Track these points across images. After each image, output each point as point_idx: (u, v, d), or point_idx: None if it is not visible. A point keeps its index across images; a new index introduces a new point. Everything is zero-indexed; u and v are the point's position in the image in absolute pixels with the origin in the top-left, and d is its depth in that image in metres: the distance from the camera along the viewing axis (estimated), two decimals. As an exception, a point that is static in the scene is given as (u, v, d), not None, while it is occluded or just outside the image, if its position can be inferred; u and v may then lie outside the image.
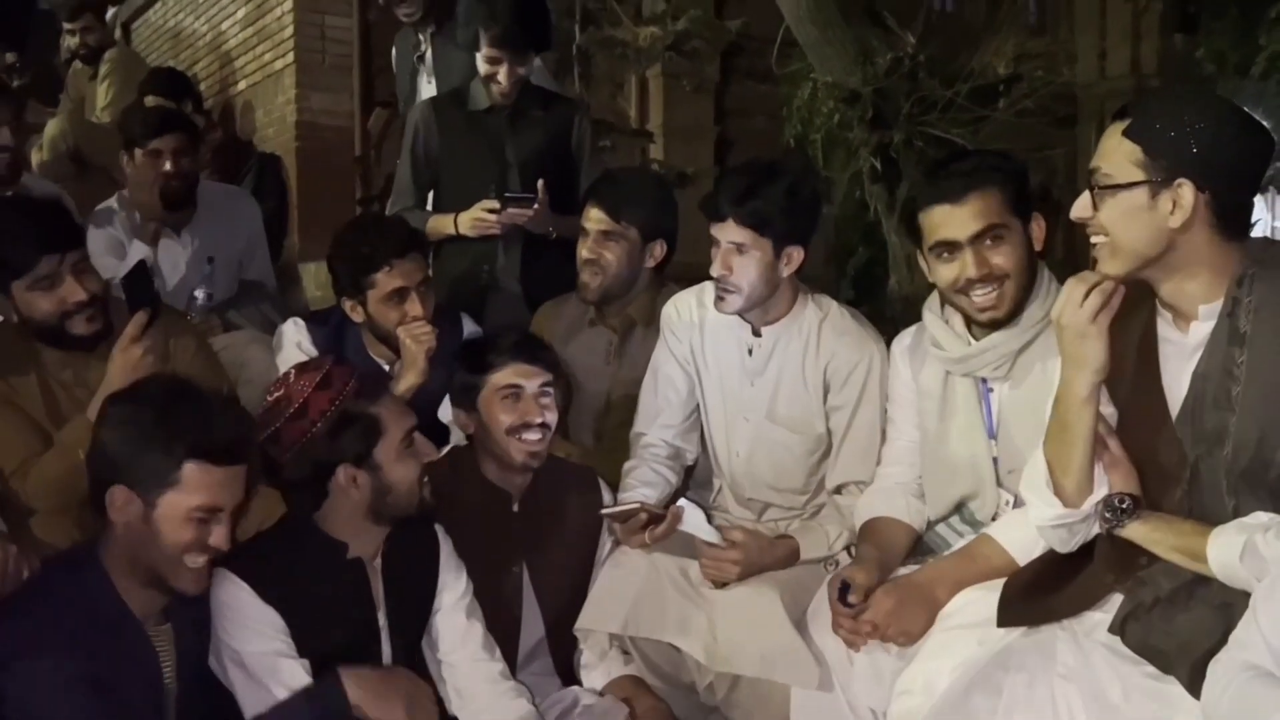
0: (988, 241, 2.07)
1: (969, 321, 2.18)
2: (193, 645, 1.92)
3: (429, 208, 3.35)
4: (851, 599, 2.05)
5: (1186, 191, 1.61)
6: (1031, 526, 1.87)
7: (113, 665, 1.75)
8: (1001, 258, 2.07)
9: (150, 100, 4.63)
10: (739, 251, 2.35)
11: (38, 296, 2.29)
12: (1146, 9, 11.14)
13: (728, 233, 2.35)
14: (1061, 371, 1.74)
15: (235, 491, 1.83)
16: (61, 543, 2.19)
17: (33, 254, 2.27)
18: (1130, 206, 1.65)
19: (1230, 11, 9.05)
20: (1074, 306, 1.68)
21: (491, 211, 3.08)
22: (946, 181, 2.10)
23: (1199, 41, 9.84)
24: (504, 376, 2.36)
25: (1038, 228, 2.12)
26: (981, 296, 2.09)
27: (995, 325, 2.13)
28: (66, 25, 5.75)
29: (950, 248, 2.09)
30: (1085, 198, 1.70)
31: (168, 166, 3.38)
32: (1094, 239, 1.71)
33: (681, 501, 2.32)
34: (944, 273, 2.11)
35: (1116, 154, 1.67)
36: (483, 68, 3.13)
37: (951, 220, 2.07)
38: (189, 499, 1.78)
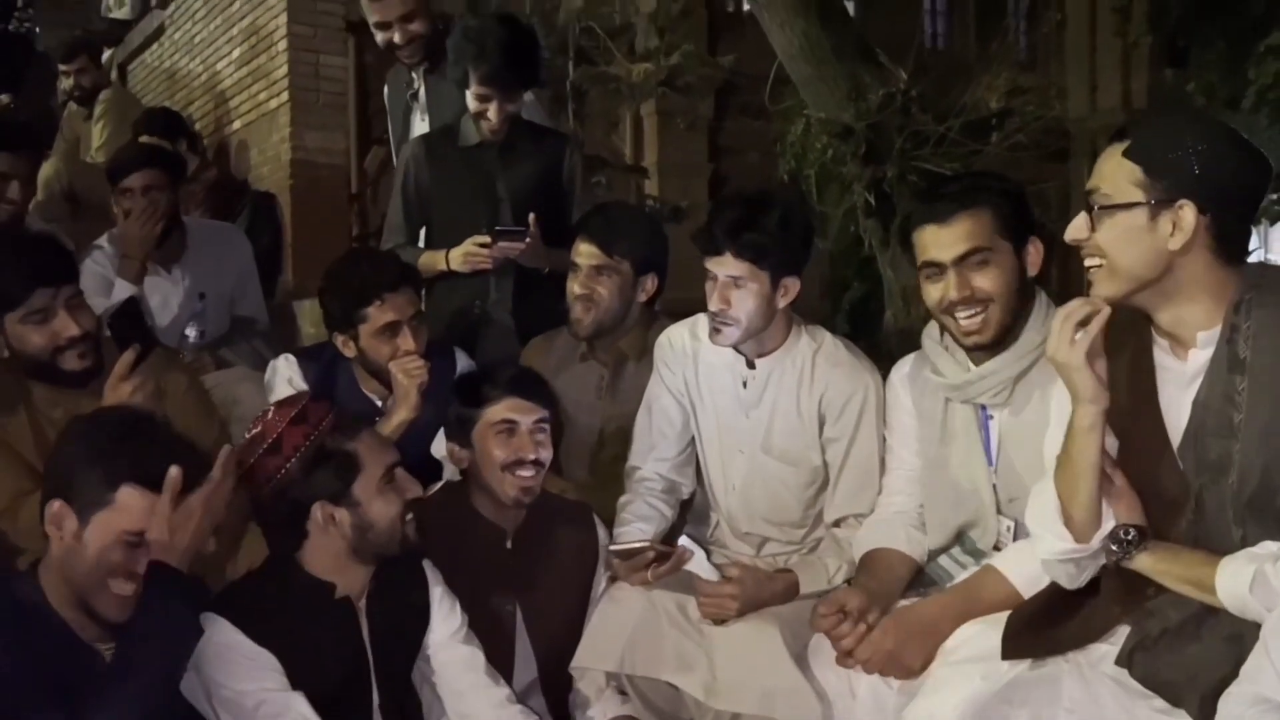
0: (972, 264, 2.06)
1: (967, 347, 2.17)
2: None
3: (421, 244, 3.34)
4: (821, 609, 2.08)
5: (1188, 213, 1.60)
6: (1037, 559, 1.84)
7: (65, 675, 1.72)
8: (985, 281, 2.06)
9: (145, 140, 4.65)
10: (736, 285, 2.32)
11: (30, 330, 2.28)
12: (1136, 44, 11.25)
13: (725, 266, 2.32)
14: (1072, 402, 1.71)
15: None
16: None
17: (26, 286, 2.26)
18: (1129, 227, 1.63)
19: (1219, 46, 9.15)
20: (1065, 343, 1.66)
21: (483, 246, 3.06)
22: (937, 202, 2.11)
23: (1189, 75, 9.95)
24: (499, 411, 2.34)
25: (1034, 251, 2.11)
26: (966, 319, 2.08)
27: (981, 349, 2.12)
28: (62, 67, 5.79)
29: (937, 268, 2.09)
30: (1082, 218, 1.68)
31: (139, 203, 3.36)
32: (1089, 261, 1.69)
33: (684, 541, 2.28)
34: (931, 293, 2.11)
35: (1116, 174, 1.65)
36: (472, 105, 3.13)
37: (938, 241, 2.07)
38: (120, 521, 1.77)
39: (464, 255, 3.09)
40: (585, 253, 2.75)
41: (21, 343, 2.30)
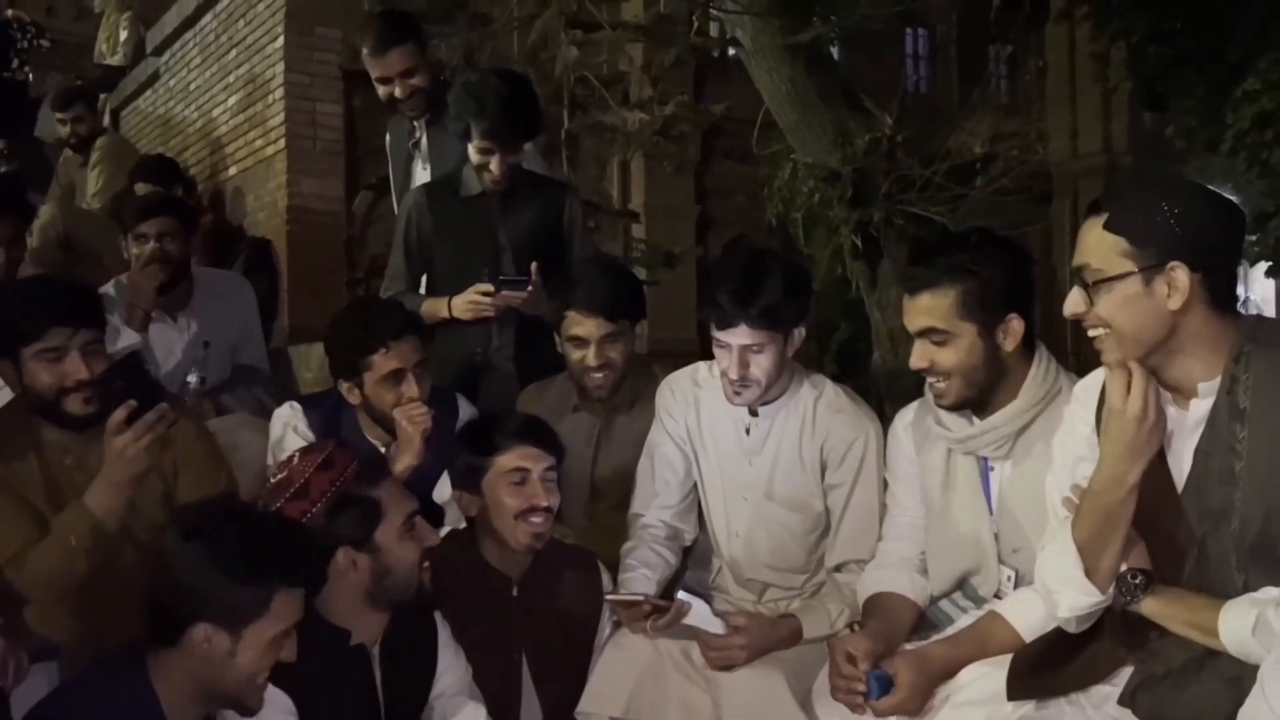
0: (931, 340, 2.10)
1: None
2: None
3: (422, 291, 3.37)
4: (843, 681, 2.05)
5: (1181, 273, 1.65)
6: (1039, 605, 1.87)
7: None
8: (943, 356, 2.10)
9: (140, 187, 4.69)
10: (753, 350, 2.36)
11: (41, 367, 2.30)
12: (1116, 88, 11.45)
13: (740, 336, 2.34)
14: (1106, 463, 1.71)
15: (302, 606, 1.84)
16: (56, 633, 2.17)
17: (43, 323, 2.29)
18: (1127, 296, 1.68)
19: (1198, 91, 9.33)
20: (1140, 397, 1.67)
21: (486, 294, 3.10)
22: (913, 270, 2.15)
23: (1168, 120, 10.15)
24: (511, 460, 2.35)
25: (1014, 328, 2.09)
26: (932, 382, 2.14)
27: (954, 410, 2.17)
28: (58, 115, 5.83)
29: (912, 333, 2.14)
30: (1076, 295, 1.72)
31: (152, 248, 3.44)
32: (1092, 333, 1.74)
33: (684, 595, 2.30)
34: (911, 352, 2.17)
35: (1101, 248, 1.69)
36: (474, 158, 3.17)
37: (906, 309, 2.14)
38: (277, 626, 1.77)
39: (467, 304, 3.12)
40: (590, 325, 2.73)
41: (32, 379, 2.32)
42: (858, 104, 5.98)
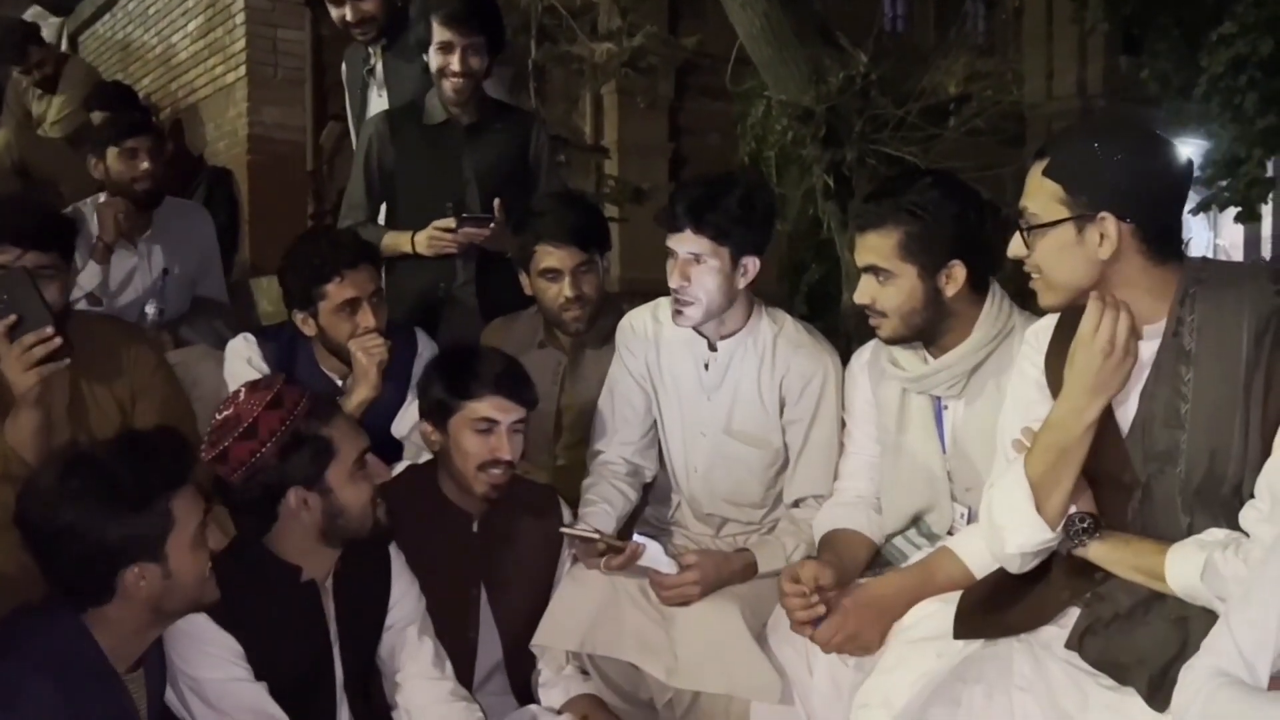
0: (877, 278, 2.11)
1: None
2: (158, 686, 1.89)
3: (381, 222, 3.31)
4: (789, 586, 2.08)
5: (1109, 224, 1.65)
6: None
7: (93, 716, 1.70)
8: (885, 295, 2.12)
9: (96, 115, 4.58)
10: (696, 261, 2.34)
11: None
12: (1092, 31, 11.37)
13: (685, 243, 2.34)
14: (1069, 395, 1.70)
15: (199, 493, 1.81)
16: (6, 564, 2.13)
17: None
18: (1060, 243, 1.69)
19: (1173, 34, 9.28)
20: (1109, 330, 1.66)
21: (447, 230, 3.04)
22: (864, 207, 2.17)
23: (1143, 63, 10.09)
24: (481, 408, 2.28)
25: (951, 275, 2.09)
26: (871, 317, 2.16)
27: (891, 344, 2.20)
28: (17, 70, 5.67)
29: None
30: (1018, 238, 1.73)
31: (145, 165, 3.42)
32: (1033, 275, 1.75)
33: (639, 538, 2.28)
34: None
35: (1040, 193, 1.70)
36: (435, 60, 3.06)
37: (857, 247, 2.15)
38: (190, 527, 1.75)
39: (429, 240, 3.07)
40: (564, 255, 2.68)
41: None
42: (833, 42, 5.90)
